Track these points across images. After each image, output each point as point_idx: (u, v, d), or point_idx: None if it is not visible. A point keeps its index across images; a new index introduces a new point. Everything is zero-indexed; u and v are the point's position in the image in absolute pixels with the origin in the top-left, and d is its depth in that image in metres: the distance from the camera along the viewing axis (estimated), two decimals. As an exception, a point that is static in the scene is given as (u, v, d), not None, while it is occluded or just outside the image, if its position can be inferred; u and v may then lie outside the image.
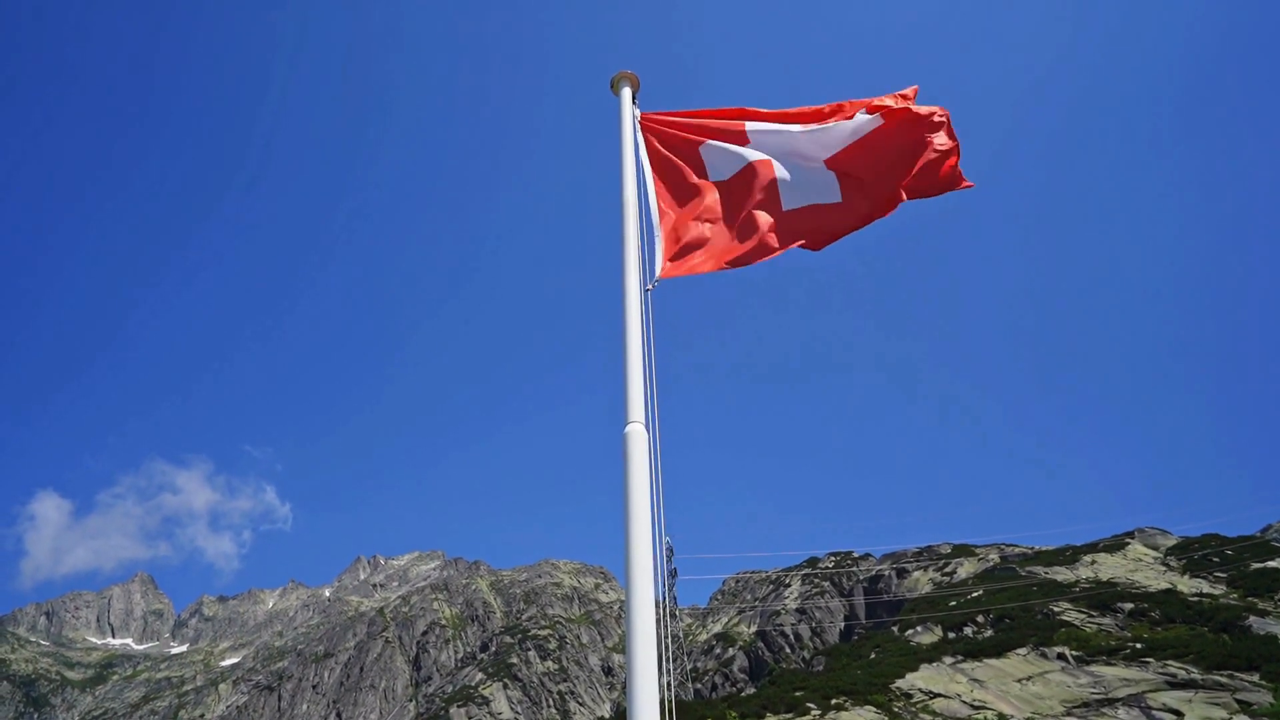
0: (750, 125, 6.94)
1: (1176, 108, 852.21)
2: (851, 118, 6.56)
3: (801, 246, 6.33)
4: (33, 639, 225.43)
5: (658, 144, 7.05)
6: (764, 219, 6.40)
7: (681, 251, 6.31)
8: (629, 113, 6.90)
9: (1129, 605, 54.09)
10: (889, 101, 6.49)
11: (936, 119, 6.32)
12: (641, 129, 7.09)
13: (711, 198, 6.63)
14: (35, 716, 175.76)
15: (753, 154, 6.73)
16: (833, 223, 6.41)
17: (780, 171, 6.59)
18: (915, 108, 6.40)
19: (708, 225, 6.48)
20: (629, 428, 4.94)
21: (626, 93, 7.04)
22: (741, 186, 6.61)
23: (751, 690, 65.87)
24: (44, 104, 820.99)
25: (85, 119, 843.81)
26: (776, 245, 6.29)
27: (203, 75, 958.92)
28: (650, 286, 5.89)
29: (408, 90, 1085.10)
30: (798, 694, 47.29)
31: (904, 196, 6.19)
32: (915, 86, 6.52)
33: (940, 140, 6.24)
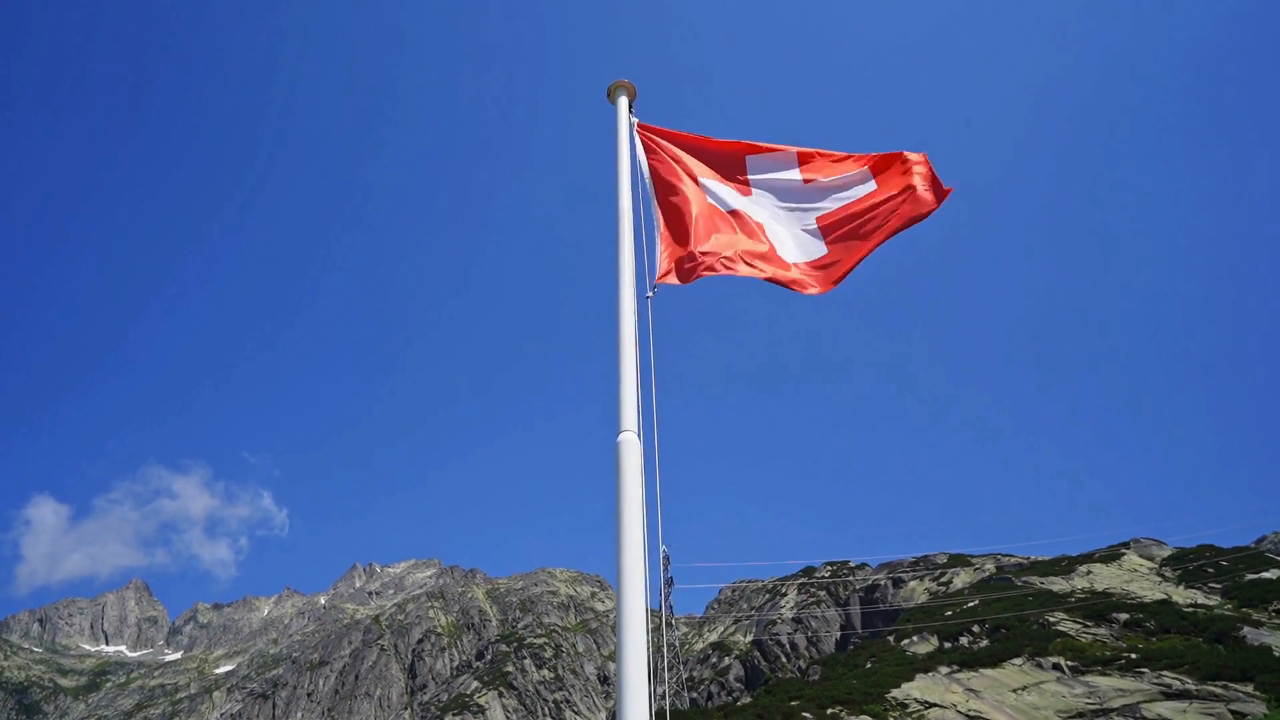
0: (751, 161, 7.13)
1: (1182, 111, 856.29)
2: (854, 173, 6.89)
3: (788, 286, 6.51)
4: (26, 646, 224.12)
5: (660, 156, 7.10)
6: (761, 248, 6.62)
7: (682, 260, 6.36)
8: (625, 121, 6.95)
9: (1124, 616, 54.09)
10: (896, 164, 6.79)
11: (922, 173, 6.64)
12: (641, 138, 7.15)
13: (714, 218, 6.80)
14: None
15: (750, 207, 6.94)
16: (816, 275, 6.61)
17: (771, 230, 6.82)
18: (912, 170, 6.68)
19: (710, 236, 6.60)
20: (621, 436, 4.96)
21: (623, 101, 7.09)
22: (739, 222, 6.82)
23: (747, 700, 65.72)
24: (47, 110, 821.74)
25: (88, 125, 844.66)
26: (769, 273, 6.47)
27: (203, 83, 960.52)
28: (651, 293, 5.91)
29: (406, 99, 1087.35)
30: (793, 703, 47.22)
31: (879, 240, 6.54)
32: (925, 154, 6.78)
33: (921, 184, 6.56)
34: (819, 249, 6.66)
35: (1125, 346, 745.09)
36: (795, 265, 6.57)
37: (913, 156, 6.73)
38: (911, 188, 6.52)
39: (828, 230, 6.72)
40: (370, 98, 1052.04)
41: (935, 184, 6.55)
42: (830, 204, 6.83)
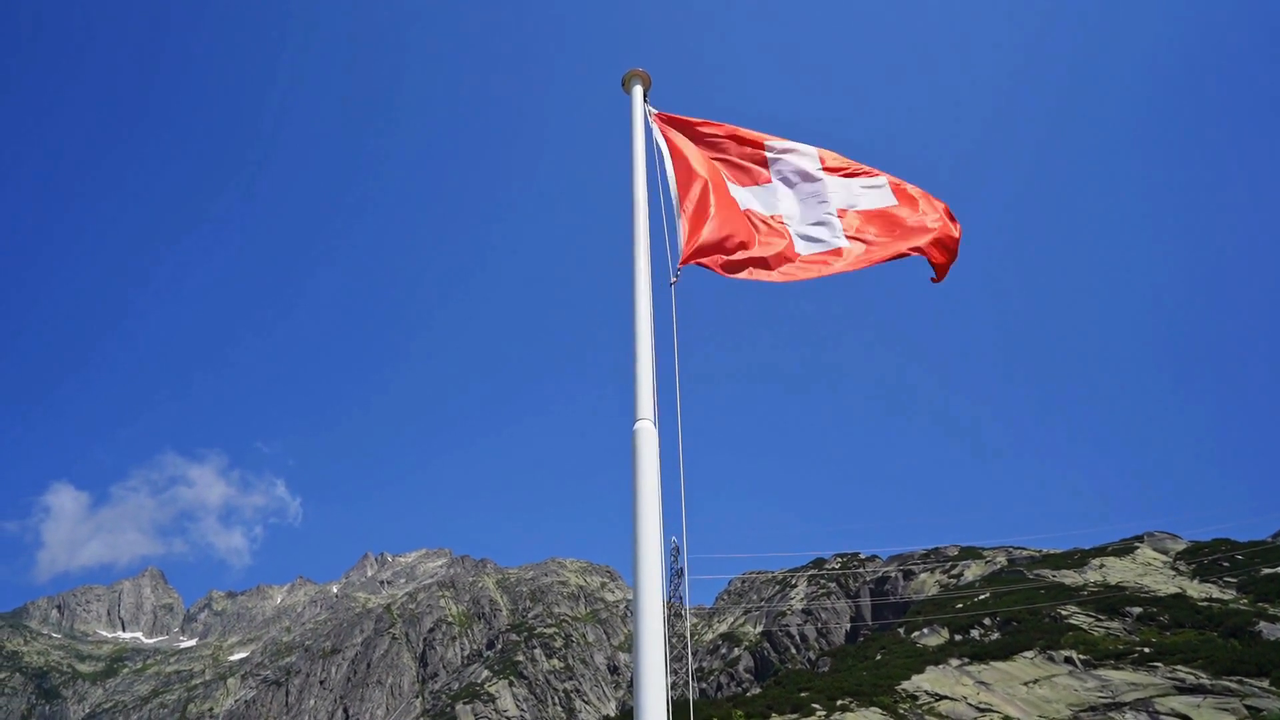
0: (770, 147, 7.14)
1: (1170, 107, 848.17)
2: (877, 179, 6.96)
3: (805, 275, 6.53)
4: (45, 632, 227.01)
5: (680, 142, 7.07)
6: (780, 248, 6.62)
7: (705, 247, 6.33)
8: (640, 111, 6.92)
9: (1137, 609, 53.83)
10: (912, 192, 6.84)
11: (940, 219, 6.65)
12: (659, 126, 7.11)
13: (735, 209, 6.76)
14: (47, 708, 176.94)
15: (767, 197, 6.94)
16: (830, 264, 6.59)
17: (793, 226, 6.79)
18: (933, 211, 6.70)
19: (732, 229, 6.56)
20: (638, 424, 4.91)
21: (638, 90, 7.06)
22: (760, 222, 6.82)
23: (757, 690, 65.80)
24: (53, 91, 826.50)
25: (96, 106, 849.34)
26: (790, 273, 6.48)
27: (210, 67, 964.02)
28: (674, 279, 5.85)
29: (417, 83, 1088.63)
30: (803, 694, 47.26)
31: (903, 251, 6.55)
32: (945, 205, 6.80)
33: (939, 225, 6.60)
34: (834, 240, 6.63)
35: (1139, 338, 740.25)
36: (802, 258, 6.57)
37: (936, 203, 6.75)
38: (929, 228, 6.57)
39: (847, 225, 6.71)
40: (382, 81, 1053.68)
41: (951, 228, 6.57)
42: (848, 199, 6.82)
